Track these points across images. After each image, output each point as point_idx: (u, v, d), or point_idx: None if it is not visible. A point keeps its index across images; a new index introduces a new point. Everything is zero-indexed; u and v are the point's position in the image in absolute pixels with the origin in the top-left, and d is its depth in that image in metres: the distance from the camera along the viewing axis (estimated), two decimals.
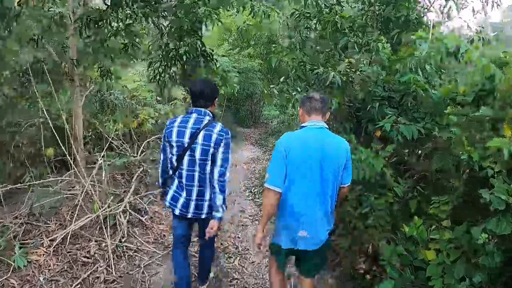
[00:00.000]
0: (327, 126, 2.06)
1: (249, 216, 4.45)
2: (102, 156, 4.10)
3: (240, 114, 12.30)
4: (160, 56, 3.20)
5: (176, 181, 2.32)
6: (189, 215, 2.30)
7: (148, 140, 5.69)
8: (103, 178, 3.75)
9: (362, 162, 2.36)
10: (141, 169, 5.05)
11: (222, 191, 2.22)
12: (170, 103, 6.95)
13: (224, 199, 2.23)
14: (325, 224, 2.04)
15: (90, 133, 5.08)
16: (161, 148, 2.44)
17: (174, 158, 2.26)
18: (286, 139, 2.00)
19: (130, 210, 3.85)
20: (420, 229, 2.17)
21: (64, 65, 4.18)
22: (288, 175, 1.94)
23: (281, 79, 3.61)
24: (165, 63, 3.18)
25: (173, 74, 3.30)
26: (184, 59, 3.06)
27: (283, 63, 3.51)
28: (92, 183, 3.83)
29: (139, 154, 5.16)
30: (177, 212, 2.32)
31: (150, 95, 7.20)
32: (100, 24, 2.96)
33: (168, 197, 2.36)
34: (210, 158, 2.21)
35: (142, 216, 3.96)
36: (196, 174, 2.24)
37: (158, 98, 6.98)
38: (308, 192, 1.95)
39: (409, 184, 2.74)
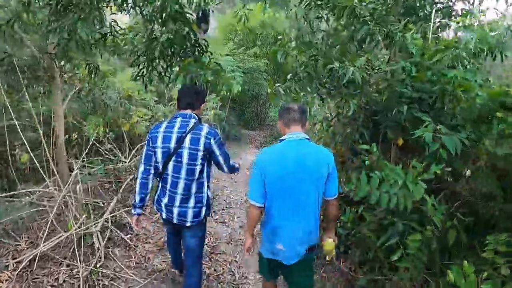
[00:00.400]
0: (308, 137, 1.98)
1: None
2: (82, 162, 3.61)
3: (245, 115, 11.84)
4: (143, 48, 2.68)
5: (160, 186, 2.27)
6: (174, 221, 2.23)
7: (142, 144, 5.22)
8: (77, 188, 3.25)
9: (393, 186, 1.81)
10: (131, 177, 4.57)
11: (236, 171, 2.45)
12: (170, 104, 6.46)
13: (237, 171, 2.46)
14: (305, 239, 1.97)
15: (76, 136, 4.59)
16: (143, 155, 2.26)
17: (160, 164, 2.19)
18: (262, 156, 1.98)
19: (111, 227, 3.35)
20: (470, 277, 1.61)
21: (43, 61, 3.71)
22: (268, 190, 1.94)
23: (288, 76, 3.07)
24: (150, 57, 2.65)
25: (161, 69, 2.77)
26: (172, 51, 2.54)
27: (291, 57, 2.99)
28: (69, 194, 3.34)
29: (129, 160, 4.67)
30: (164, 215, 2.28)
31: (149, 95, 6.74)
32: (70, 9, 2.46)
33: (154, 200, 2.35)
34: (199, 163, 2.14)
35: (126, 233, 3.46)
36: (181, 182, 2.16)
37: (155, 98, 6.50)
38: (287, 206, 1.93)
39: (444, 207, 2.18)
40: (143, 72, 2.88)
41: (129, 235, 3.43)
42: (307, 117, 2.04)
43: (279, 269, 2.14)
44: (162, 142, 2.13)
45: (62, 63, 3.78)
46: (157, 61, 2.76)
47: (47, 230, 3.07)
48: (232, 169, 2.36)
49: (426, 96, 2.44)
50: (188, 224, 2.21)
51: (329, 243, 2.05)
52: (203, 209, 2.24)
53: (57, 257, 2.94)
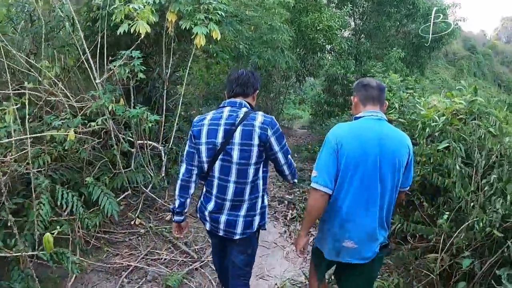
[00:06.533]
0: (386, 118, 1.80)
1: None
2: None
3: None
4: None
5: (204, 190, 1.99)
6: (220, 233, 1.93)
7: None
8: None
9: None
10: None
11: (296, 177, 2.02)
12: None
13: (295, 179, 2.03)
14: (378, 235, 1.76)
15: None
16: (185, 153, 1.97)
17: (205, 164, 1.90)
18: (338, 131, 1.77)
19: None
20: None
21: None
22: (340, 174, 1.71)
23: None
24: None
25: None
26: None
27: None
28: None
29: None
30: (207, 226, 2.00)
31: None
32: None
33: (197, 208, 2.06)
34: (254, 161, 1.82)
35: None
36: (231, 185, 1.84)
37: None
38: (361, 195, 1.71)
39: None
40: None
41: None
42: (385, 97, 1.86)
43: (340, 271, 1.96)
44: (207, 136, 1.86)
45: None
46: None
47: None
48: (294, 173, 1.97)
49: None
50: (237, 237, 1.90)
51: None
52: (256, 218, 1.92)
53: None
